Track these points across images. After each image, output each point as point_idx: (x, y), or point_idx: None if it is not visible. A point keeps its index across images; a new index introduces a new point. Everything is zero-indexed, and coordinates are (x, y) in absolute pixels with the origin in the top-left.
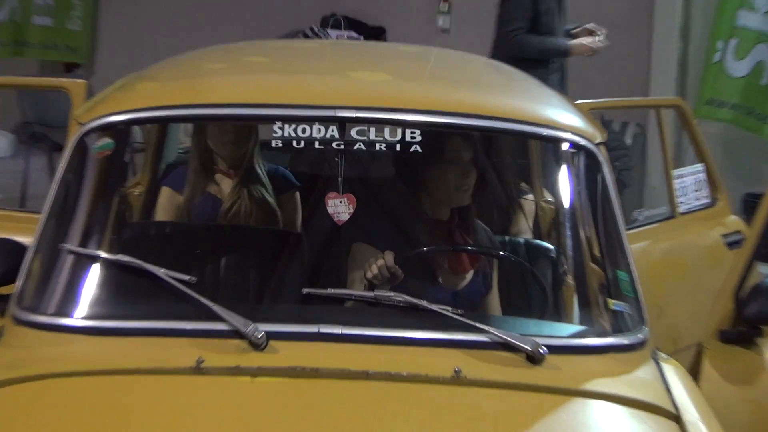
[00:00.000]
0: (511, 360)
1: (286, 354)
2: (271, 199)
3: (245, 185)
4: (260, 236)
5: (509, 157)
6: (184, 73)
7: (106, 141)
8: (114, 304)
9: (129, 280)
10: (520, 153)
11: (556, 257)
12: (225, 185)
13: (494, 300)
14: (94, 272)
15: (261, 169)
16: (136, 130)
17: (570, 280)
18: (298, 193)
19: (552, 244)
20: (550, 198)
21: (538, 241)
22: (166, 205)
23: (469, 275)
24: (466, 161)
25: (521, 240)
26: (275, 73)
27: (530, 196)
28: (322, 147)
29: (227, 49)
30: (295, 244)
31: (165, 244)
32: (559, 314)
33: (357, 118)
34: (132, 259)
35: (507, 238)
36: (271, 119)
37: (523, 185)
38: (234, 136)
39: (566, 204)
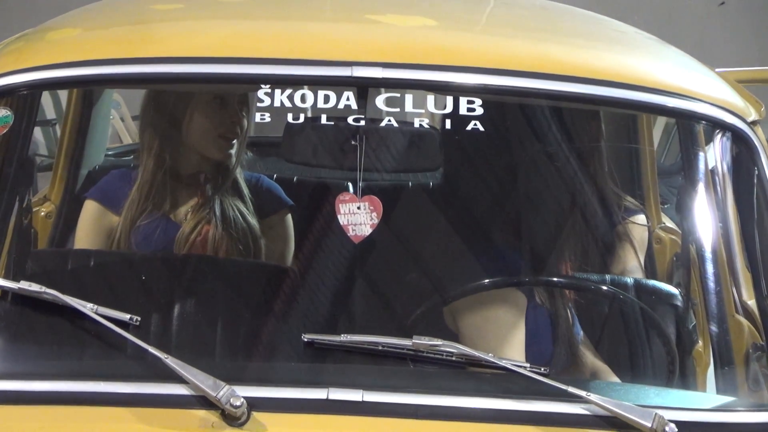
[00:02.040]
0: None
1: None
2: (253, 222)
3: (216, 200)
4: (237, 269)
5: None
6: (122, 19)
7: (2, 113)
8: (14, 357)
9: (38, 321)
10: (624, 142)
11: (683, 308)
12: (183, 201)
13: (584, 357)
14: None
15: (241, 177)
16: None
17: (705, 338)
18: (289, 216)
19: (677, 288)
20: (670, 224)
21: (656, 283)
22: (93, 226)
23: None
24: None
25: (628, 280)
26: (260, 19)
27: (641, 218)
28: (332, 124)
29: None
30: (287, 280)
31: (90, 281)
32: (688, 380)
33: (385, 79)
34: (41, 288)
35: (607, 276)
36: (255, 80)
37: (631, 201)
38: (231, 110)
39: (703, 223)
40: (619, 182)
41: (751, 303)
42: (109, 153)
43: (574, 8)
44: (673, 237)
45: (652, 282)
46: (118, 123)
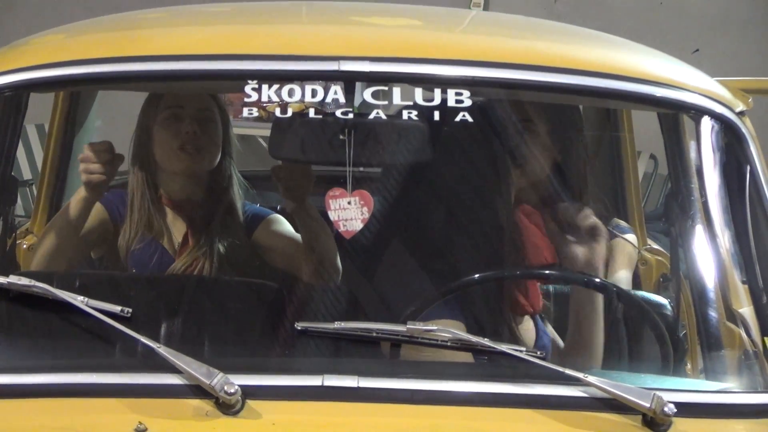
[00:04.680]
0: (620, 425)
1: (273, 420)
2: (244, 244)
3: (207, 231)
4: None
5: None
6: (110, 26)
7: None
8: (6, 352)
9: (29, 315)
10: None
11: (673, 317)
12: (175, 229)
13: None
14: None
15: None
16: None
17: (694, 346)
18: (273, 219)
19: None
20: (655, 246)
21: (646, 294)
22: (84, 208)
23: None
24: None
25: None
26: (248, 21)
27: (631, 237)
28: (320, 118)
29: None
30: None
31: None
32: (684, 365)
33: (372, 73)
34: (31, 282)
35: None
36: (243, 76)
37: (617, 222)
38: (186, 122)
39: (693, 221)
40: (607, 204)
41: (743, 311)
42: None
43: (552, 22)
44: (660, 258)
45: (641, 292)
46: None
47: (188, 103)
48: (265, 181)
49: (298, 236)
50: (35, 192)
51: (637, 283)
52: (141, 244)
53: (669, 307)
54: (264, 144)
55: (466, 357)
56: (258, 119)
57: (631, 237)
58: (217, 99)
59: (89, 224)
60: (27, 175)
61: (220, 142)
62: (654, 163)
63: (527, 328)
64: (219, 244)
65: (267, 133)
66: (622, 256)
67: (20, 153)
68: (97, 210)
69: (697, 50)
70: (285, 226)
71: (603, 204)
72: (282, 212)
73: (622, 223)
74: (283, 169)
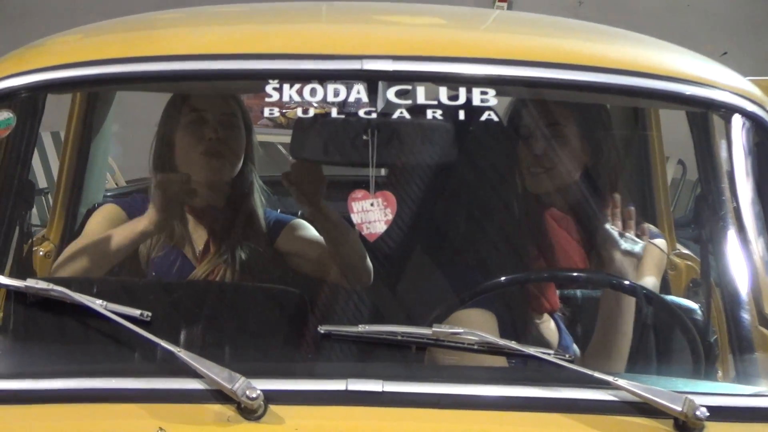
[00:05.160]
0: (651, 430)
1: (296, 425)
2: (267, 252)
3: (229, 239)
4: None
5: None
6: (130, 26)
7: (4, 116)
8: (25, 357)
9: (47, 319)
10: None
11: (703, 323)
12: (197, 237)
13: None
14: None
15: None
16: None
17: (725, 351)
18: (297, 225)
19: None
20: (685, 250)
21: (675, 298)
22: (108, 225)
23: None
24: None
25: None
26: (268, 21)
27: (661, 243)
28: (342, 118)
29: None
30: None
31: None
32: (715, 370)
33: (395, 72)
34: (49, 285)
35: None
36: (264, 76)
37: (647, 227)
38: (210, 126)
39: (724, 223)
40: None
41: None
42: (108, 195)
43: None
44: (689, 263)
45: (671, 297)
46: (111, 184)
47: (211, 107)
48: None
49: (322, 240)
50: (51, 201)
51: (666, 287)
52: (161, 252)
53: (699, 311)
54: (284, 151)
55: (493, 360)
56: (278, 126)
57: (660, 242)
58: (240, 103)
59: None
60: (42, 183)
61: (243, 150)
62: (682, 169)
63: (549, 327)
64: (240, 251)
65: (286, 140)
66: (651, 261)
67: (35, 161)
68: (119, 215)
69: (726, 53)
70: (309, 230)
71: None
72: (304, 217)
73: (652, 227)
74: (293, 172)
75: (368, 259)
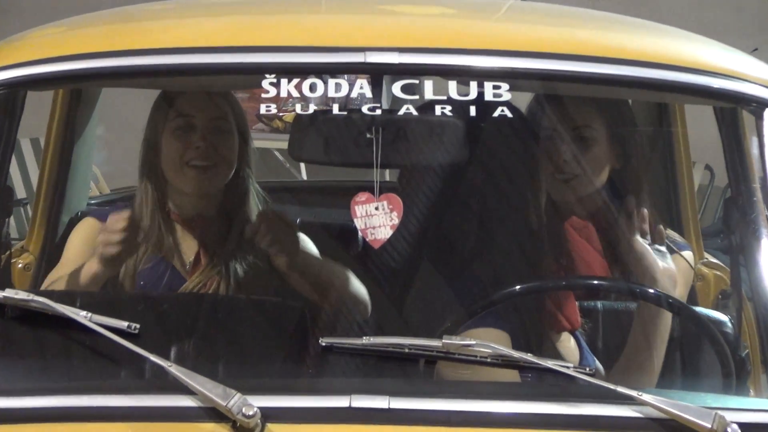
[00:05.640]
0: None
1: None
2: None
3: (221, 251)
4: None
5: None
6: (117, 18)
7: None
8: (7, 373)
9: (28, 333)
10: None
11: (734, 336)
12: (186, 248)
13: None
14: None
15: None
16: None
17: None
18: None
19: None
20: (713, 260)
21: (704, 310)
22: (89, 242)
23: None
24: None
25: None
26: (265, 11)
27: (689, 254)
28: (344, 115)
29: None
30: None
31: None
32: (746, 385)
33: (401, 65)
34: (29, 296)
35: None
36: (261, 70)
37: (671, 234)
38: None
39: (757, 227)
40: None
41: None
42: (92, 202)
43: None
44: (718, 273)
45: (700, 308)
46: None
47: (199, 111)
48: (284, 193)
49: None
50: (30, 212)
51: (692, 299)
52: (149, 264)
53: (729, 324)
54: (281, 158)
55: (507, 375)
56: (274, 130)
57: (687, 254)
58: (234, 105)
59: (93, 245)
60: (21, 194)
61: (235, 157)
62: (710, 175)
63: (568, 345)
64: (234, 263)
65: (283, 146)
66: (677, 274)
67: (13, 169)
68: (95, 226)
69: (756, 49)
70: (307, 243)
71: (656, 216)
72: (302, 226)
73: (678, 237)
74: (259, 224)
75: (365, 293)
